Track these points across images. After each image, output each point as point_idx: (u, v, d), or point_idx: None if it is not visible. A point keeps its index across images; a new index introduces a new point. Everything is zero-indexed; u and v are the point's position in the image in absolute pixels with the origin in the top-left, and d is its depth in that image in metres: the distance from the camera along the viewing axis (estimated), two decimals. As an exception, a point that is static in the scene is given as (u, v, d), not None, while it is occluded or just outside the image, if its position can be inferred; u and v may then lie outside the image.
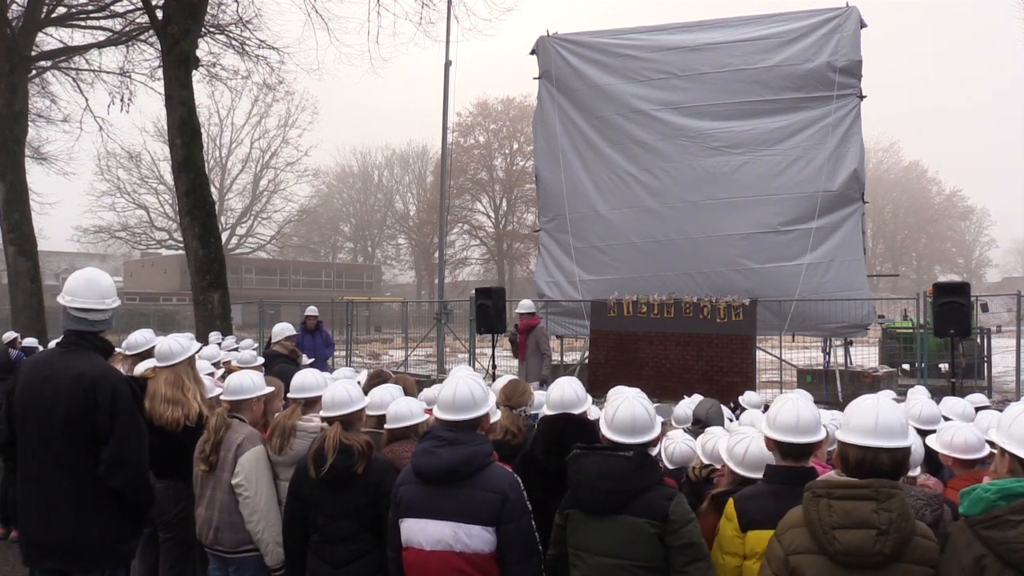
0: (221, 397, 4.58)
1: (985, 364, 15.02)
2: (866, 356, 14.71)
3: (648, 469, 3.11)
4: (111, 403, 3.54)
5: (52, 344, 8.50)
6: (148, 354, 5.67)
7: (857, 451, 2.57)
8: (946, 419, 4.54)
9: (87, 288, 3.73)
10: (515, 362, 11.94)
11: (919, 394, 5.42)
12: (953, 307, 9.29)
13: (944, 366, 14.33)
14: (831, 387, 12.64)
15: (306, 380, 4.56)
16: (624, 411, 3.22)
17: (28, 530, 3.66)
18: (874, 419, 2.59)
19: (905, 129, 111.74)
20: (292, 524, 3.92)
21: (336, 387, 3.94)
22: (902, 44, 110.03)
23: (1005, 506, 2.43)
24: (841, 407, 7.30)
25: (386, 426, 4.20)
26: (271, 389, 4.69)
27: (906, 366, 16.06)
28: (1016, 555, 2.35)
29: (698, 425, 4.94)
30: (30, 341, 11.19)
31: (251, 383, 4.51)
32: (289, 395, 4.59)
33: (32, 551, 3.64)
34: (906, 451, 2.64)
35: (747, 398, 6.72)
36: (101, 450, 3.54)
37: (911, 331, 15.63)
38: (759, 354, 12.78)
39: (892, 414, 2.63)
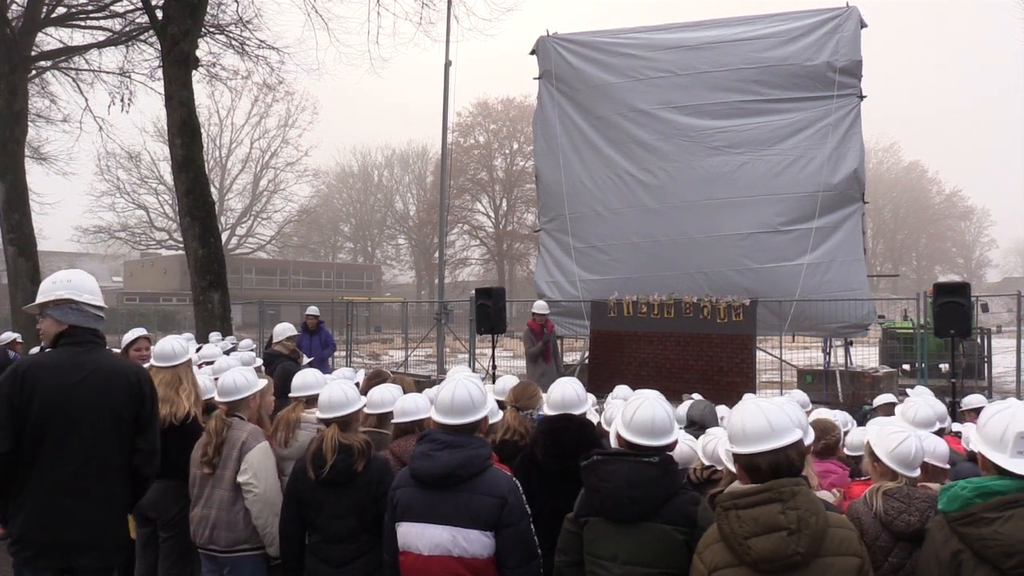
0: (216, 399, 4.55)
1: (985, 364, 15.02)
2: (866, 356, 14.70)
3: (673, 474, 3.06)
4: (152, 395, 3.79)
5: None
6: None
7: (767, 457, 2.55)
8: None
9: (94, 287, 3.81)
10: (517, 363, 11.97)
11: (921, 395, 5.41)
12: (953, 307, 9.26)
13: (944, 366, 14.32)
14: (831, 387, 12.63)
15: (307, 379, 4.64)
16: (644, 413, 3.12)
17: (55, 533, 3.56)
18: (767, 423, 2.58)
19: (905, 129, 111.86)
20: (290, 526, 3.89)
21: (333, 388, 3.93)
22: (902, 44, 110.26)
23: (981, 503, 2.47)
24: (842, 407, 7.31)
25: (393, 420, 4.23)
26: (264, 383, 4.70)
27: (906, 366, 16.06)
28: (991, 551, 2.39)
29: (693, 427, 4.95)
30: None
31: (244, 381, 4.49)
32: (291, 394, 4.64)
33: (64, 552, 3.57)
34: (802, 442, 2.64)
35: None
36: (138, 440, 3.71)
37: (911, 331, 15.62)
38: (759, 354, 12.76)
39: (777, 411, 2.64)
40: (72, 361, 3.69)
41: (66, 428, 3.58)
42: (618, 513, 2.96)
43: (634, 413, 3.14)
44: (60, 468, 3.58)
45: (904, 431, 3.36)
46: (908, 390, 6.16)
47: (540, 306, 11.90)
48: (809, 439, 3.61)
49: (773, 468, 2.54)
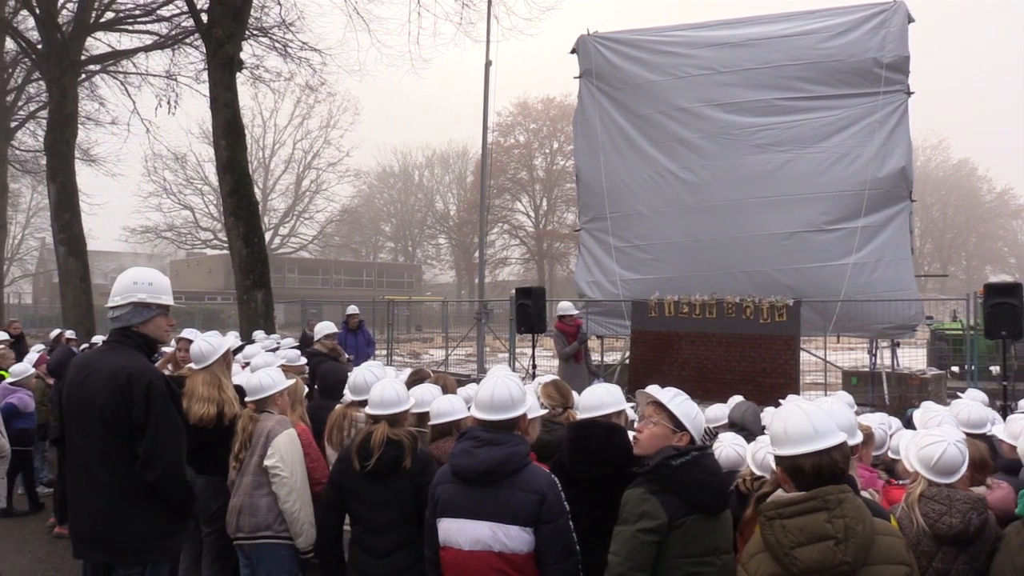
0: (245, 399, 4.67)
1: (1038, 367, 14.62)
2: (913, 358, 14.39)
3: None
4: (146, 398, 3.57)
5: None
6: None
7: (811, 459, 2.48)
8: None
9: (127, 286, 3.83)
10: (557, 363, 11.92)
11: (970, 397, 5.27)
12: (1005, 308, 9.05)
13: (995, 369, 13.96)
14: (877, 389, 12.39)
15: (357, 380, 4.67)
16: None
17: (74, 524, 3.73)
18: (810, 424, 2.52)
19: (954, 126, 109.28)
20: (330, 514, 3.94)
21: (385, 386, 3.94)
22: (951, 40, 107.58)
23: None
24: (888, 410, 7.16)
25: (429, 423, 4.26)
26: (291, 382, 4.77)
27: (955, 368, 15.68)
28: None
29: (734, 428, 4.87)
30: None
31: (270, 380, 4.59)
32: (353, 396, 4.70)
33: (79, 544, 3.71)
34: (846, 444, 2.59)
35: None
36: (137, 445, 3.58)
37: (961, 333, 15.27)
38: (803, 355, 12.55)
39: (820, 414, 2.58)
40: (89, 360, 3.82)
41: (72, 423, 3.70)
42: (722, 505, 2.95)
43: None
44: (73, 461, 3.71)
45: (942, 440, 3.17)
46: (960, 393, 6.00)
47: (567, 307, 11.80)
48: (855, 440, 3.53)
49: (816, 470, 2.48)
